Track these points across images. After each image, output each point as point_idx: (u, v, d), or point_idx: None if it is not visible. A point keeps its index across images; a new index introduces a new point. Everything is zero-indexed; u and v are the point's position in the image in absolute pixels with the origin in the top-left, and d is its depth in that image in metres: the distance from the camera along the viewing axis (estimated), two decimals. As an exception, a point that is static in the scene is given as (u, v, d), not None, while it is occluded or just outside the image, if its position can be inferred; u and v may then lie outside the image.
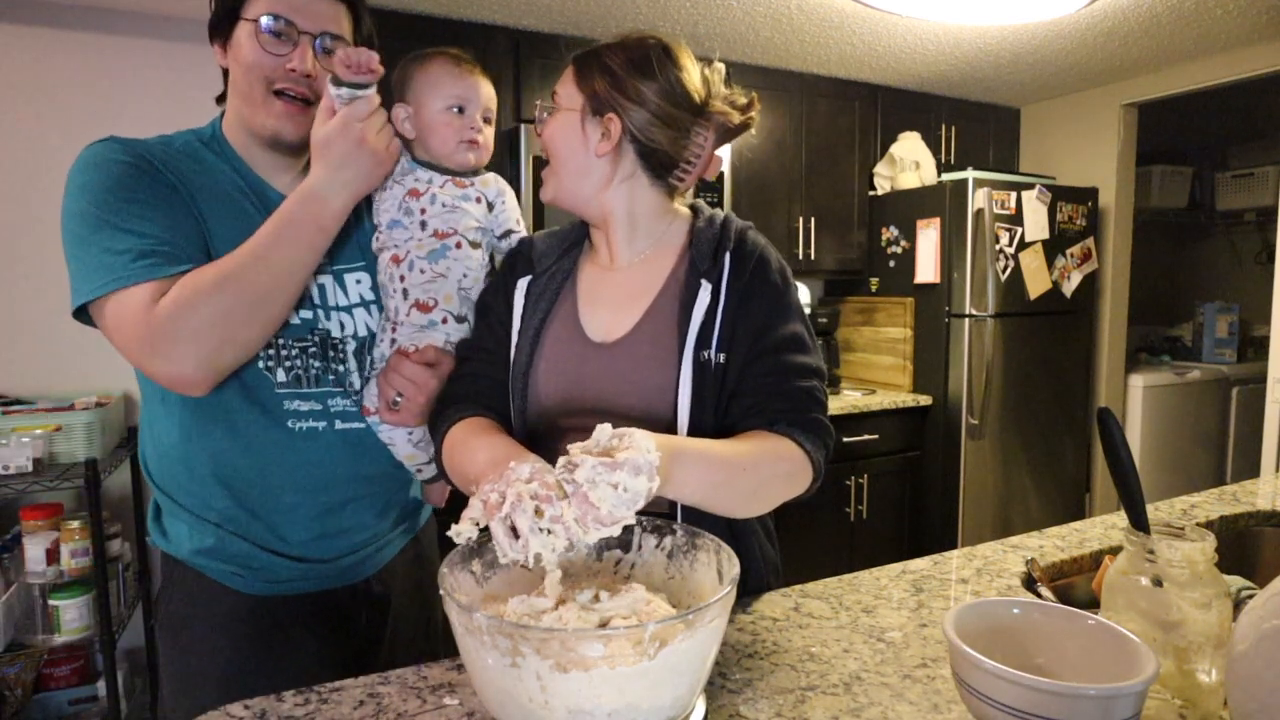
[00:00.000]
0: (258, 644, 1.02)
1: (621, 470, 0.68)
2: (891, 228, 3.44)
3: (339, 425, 1.05)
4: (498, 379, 1.01)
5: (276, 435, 1.01)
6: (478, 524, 0.71)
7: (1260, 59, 3.06)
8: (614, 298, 1.00)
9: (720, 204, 3.05)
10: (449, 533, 0.71)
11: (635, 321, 0.97)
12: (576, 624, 0.67)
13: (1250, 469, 3.60)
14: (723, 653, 0.89)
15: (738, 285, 0.95)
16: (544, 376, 0.97)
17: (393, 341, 1.06)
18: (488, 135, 1.13)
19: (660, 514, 0.89)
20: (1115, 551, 1.16)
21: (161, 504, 1.06)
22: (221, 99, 1.08)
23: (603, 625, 0.68)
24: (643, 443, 0.70)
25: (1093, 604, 0.90)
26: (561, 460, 0.71)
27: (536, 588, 0.74)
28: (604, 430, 0.72)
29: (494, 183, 1.13)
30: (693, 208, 1.06)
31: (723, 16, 2.70)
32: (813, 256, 3.38)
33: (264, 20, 0.96)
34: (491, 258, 1.14)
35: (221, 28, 1.01)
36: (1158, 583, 0.78)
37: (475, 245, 1.11)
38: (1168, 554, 0.78)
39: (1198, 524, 1.27)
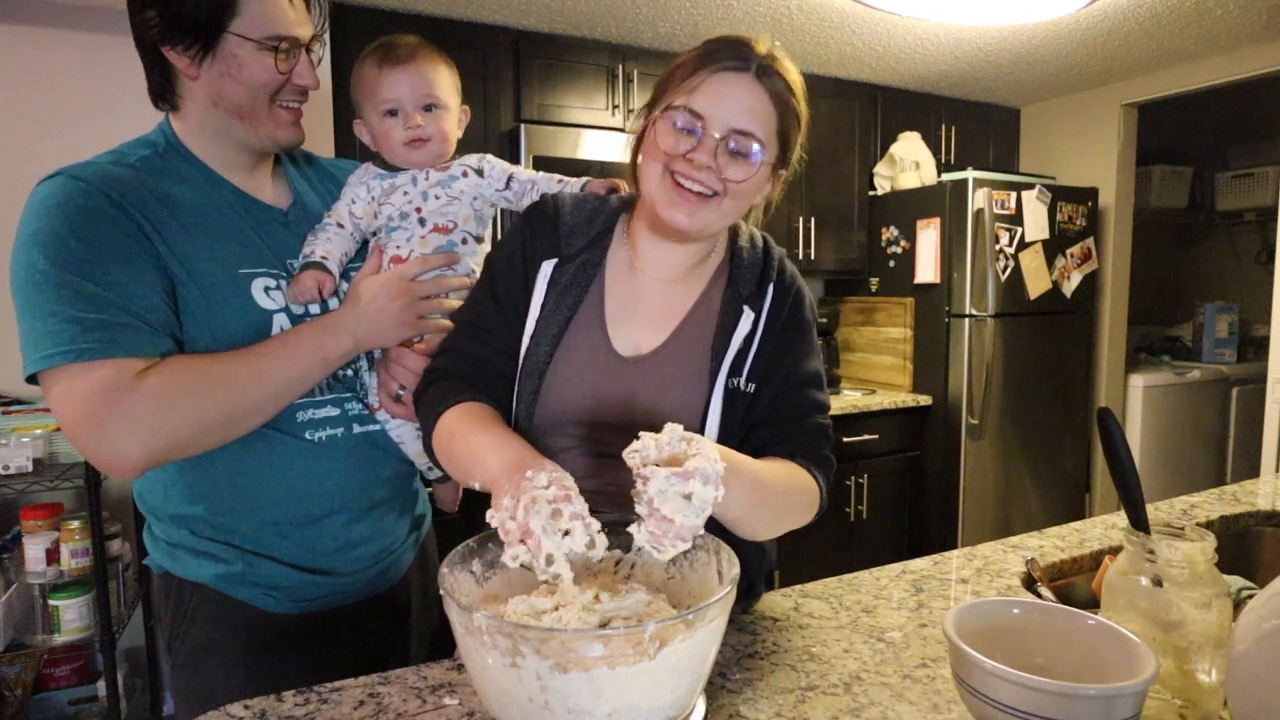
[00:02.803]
0: (288, 664, 1.00)
1: (693, 480, 0.66)
2: (891, 228, 3.44)
3: (357, 429, 1.04)
4: (497, 365, 0.95)
5: (297, 448, 0.99)
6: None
7: (1260, 59, 3.06)
8: (643, 310, 0.96)
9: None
10: (504, 558, 0.68)
11: (664, 339, 0.95)
12: (576, 624, 0.67)
13: (1250, 469, 3.60)
14: (723, 653, 0.89)
15: (778, 318, 0.96)
16: (563, 381, 0.93)
17: None
18: (434, 124, 1.05)
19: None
20: (1115, 551, 1.16)
21: (169, 535, 1.00)
22: (163, 104, 0.99)
23: (603, 625, 0.68)
24: (709, 451, 0.69)
25: (1093, 604, 0.90)
26: (635, 473, 0.69)
27: (536, 588, 0.74)
28: (675, 430, 0.71)
29: (472, 157, 1.10)
30: None
31: (723, 16, 2.70)
32: (813, 256, 3.38)
33: (280, 44, 0.94)
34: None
35: (195, 37, 0.91)
36: (1158, 583, 0.78)
37: (480, 240, 1.10)
38: (1168, 554, 0.78)
39: (1198, 524, 1.27)
